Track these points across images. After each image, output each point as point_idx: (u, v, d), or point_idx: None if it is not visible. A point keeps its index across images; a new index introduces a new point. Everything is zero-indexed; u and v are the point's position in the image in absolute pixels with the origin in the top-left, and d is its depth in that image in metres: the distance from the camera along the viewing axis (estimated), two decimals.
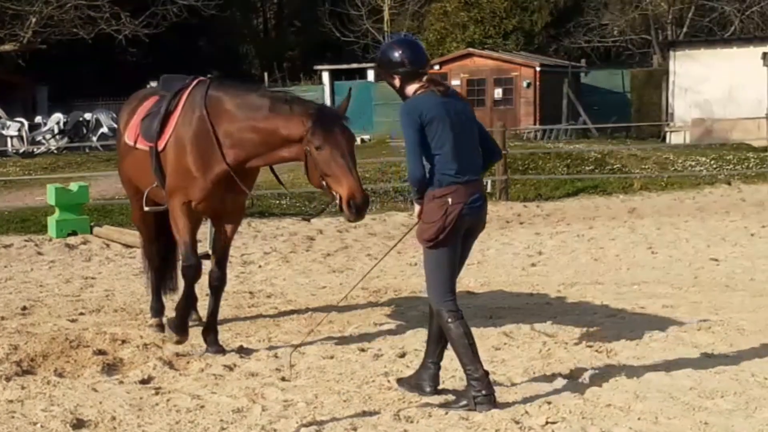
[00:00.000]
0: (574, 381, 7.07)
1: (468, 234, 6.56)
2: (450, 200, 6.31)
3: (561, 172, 23.26)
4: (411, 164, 6.32)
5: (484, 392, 6.37)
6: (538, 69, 35.71)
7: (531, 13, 42.52)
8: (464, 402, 6.44)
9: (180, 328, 8.17)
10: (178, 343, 8.20)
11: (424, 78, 6.51)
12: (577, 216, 18.41)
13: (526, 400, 6.58)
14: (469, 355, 6.40)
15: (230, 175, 7.81)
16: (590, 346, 8.14)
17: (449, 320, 6.41)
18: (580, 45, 44.16)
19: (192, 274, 8.14)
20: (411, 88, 6.50)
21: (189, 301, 8.34)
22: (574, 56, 43.33)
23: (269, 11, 60.48)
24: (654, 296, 10.48)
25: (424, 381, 6.77)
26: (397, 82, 6.56)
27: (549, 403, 6.51)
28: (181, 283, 9.52)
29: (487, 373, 6.46)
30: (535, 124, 35.13)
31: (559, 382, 7.02)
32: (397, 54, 6.52)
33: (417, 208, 6.54)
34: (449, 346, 6.59)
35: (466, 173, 6.38)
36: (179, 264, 9.37)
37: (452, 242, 6.40)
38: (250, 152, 7.77)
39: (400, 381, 6.94)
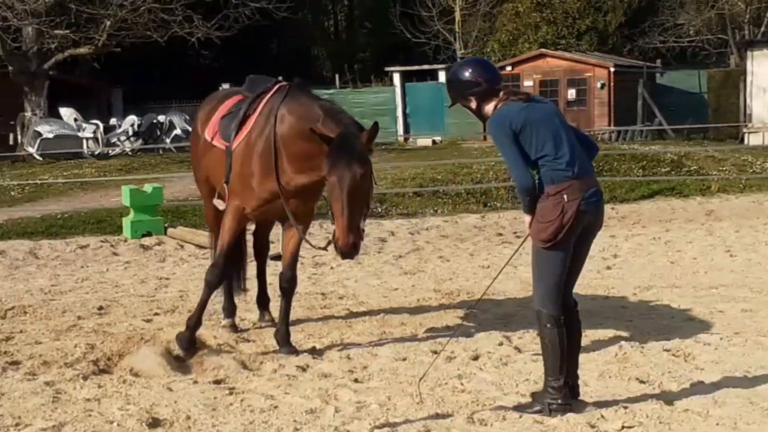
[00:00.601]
0: (650, 385, 7.00)
1: (586, 233, 6.32)
2: (566, 197, 6.12)
3: (636, 174, 22.97)
4: (517, 175, 6.16)
5: (560, 401, 6.31)
6: (612, 69, 35.33)
7: (605, 13, 42.09)
8: (538, 407, 6.37)
9: (186, 342, 8.04)
10: (185, 358, 7.97)
11: (501, 93, 6.39)
12: (653, 218, 18.15)
13: (601, 405, 6.50)
14: (557, 366, 6.29)
15: (293, 188, 7.79)
16: (667, 350, 8.04)
17: (548, 325, 6.26)
18: (655, 45, 43.58)
19: (215, 278, 8.15)
20: (489, 107, 6.40)
21: (201, 311, 8.20)
22: (649, 56, 42.76)
23: (340, 13, 60.68)
24: (732, 300, 10.28)
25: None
26: (473, 104, 6.45)
27: (625, 407, 6.44)
28: (252, 284, 9.61)
29: (566, 384, 6.36)
30: (609, 125, 34.76)
31: (636, 386, 6.95)
32: (469, 74, 6.42)
33: (527, 219, 6.33)
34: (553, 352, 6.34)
35: (576, 168, 6.21)
36: (250, 263, 9.47)
37: (569, 242, 6.20)
38: (303, 166, 7.69)
39: (533, 394, 6.62)
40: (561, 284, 6.27)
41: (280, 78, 8.61)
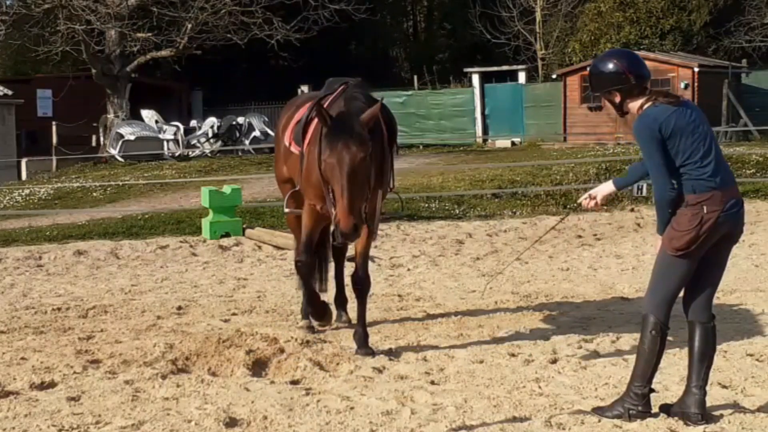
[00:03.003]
0: (733, 390, 6.89)
1: (725, 241, 6.16)
2: (705, 208, 5.97)
3: None
4: (659, 184, 5.99)
5: (641, 408, 6.21)
6: (696, 70, 34.74)
7: (689, 13, 41.43)
8: (618, 411, 6.26)
9: (317, 314, 8.70)
10: (322, 325, 8.75)
11: (648, 92, 6.17)
12: None
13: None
14: (646, 373, 6.21)
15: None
16: (750, 355, 7.90)
17: (652, 331, 6.17)
18: (741, 45, 42.78)
19: (304, 270, 8.50)
20: (635, 104, 6.16)
21: (310, 295, 8.71)
22: (735, 56, 41.97)
23: (419, 14, 60.67)
24: None
25: (689, 408, 6.22)
26: (617, 98, 6.20)
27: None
28: (331, 285, 9.63)
29: (651, 391, 6.27)
30: None
31: (718, 391, 6.85)
32: (616, 67, 6.16)
33: (658, 242, 6.20)
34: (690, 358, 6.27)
35: (721, 178, 6.04)
36: (331, 266, 9.52)
37: (700, 253, 6.07)
38: None
39: (663, 407, 6.41)
40: (677, 294, 6.20)
41: (359, 79, 8.60)
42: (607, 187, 6.40)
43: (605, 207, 19.49)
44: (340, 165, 7.12)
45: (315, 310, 8.68)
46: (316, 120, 8.03)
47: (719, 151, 6.15)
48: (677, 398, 6.60)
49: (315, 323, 8.86)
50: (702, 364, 6.21)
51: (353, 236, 7.17)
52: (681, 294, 6.27)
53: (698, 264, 6.13)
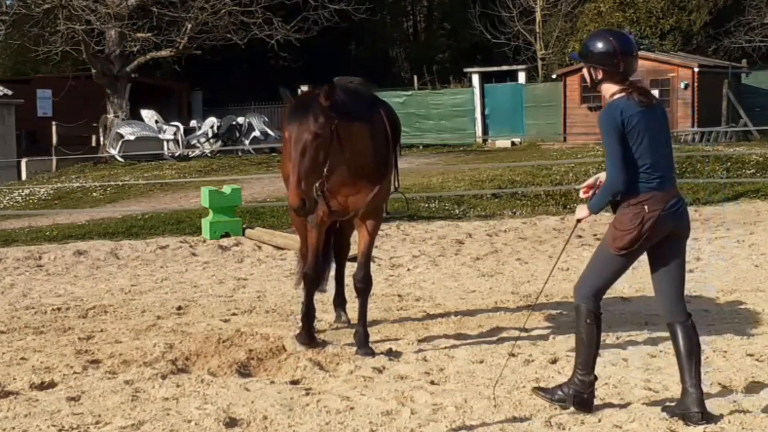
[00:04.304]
0: (733, 390, 6.85)
1: (674, 239, 6.23)
2: (647, 208, 6.07)
3: (720, 176, 22.57)
4: (613, 173, 6.06)
5: (585, 395, 6.37)
6: (696, 70, 34.73)
7: (689, 13, 41.43)
8: (561, 395, 6.41)
9: (301, 338, 8.44)
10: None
11: (627, 83, 6.21)
12: (737, 221, 17.80)
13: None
14: (589, 361, 6.38)
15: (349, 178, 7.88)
16: (750, 355, 7.90)
17: (588, 320, 6.33)
18: (741, 45, 42.77)
19: (310, 282, 8.55)
20: (611, 89, 6.21)
21: (308, 311, 8.59)
22: (735, 56, 41.96)
23: (419, 14, 60.68)
24: None
25: (689, 408, 6.20)
26: (600, 75, 6.23)
27: (707, 411, 6.28)
28: (330, 285, 9.62)
29: (595, 379, 6.44)
30: (692, 126, 34.19)
31: (718, 391, 6.82)
32: (614, 48, 6.16)
33: (583, 212, 6.36)
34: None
35: (663, 181, 6.14)
36: (332, 265, 9.53)
37: (641, 252, 6.19)
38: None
39: (665, 408, 6.42)
40: (609, 286, 6.39)
41: (361, 79, 8.60)
42: (584, 211, 6.42)
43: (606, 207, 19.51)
44: (292, 141, 7.19)
45: (305, 333, 8.47)
46: None
47: (671, 156, 6.29)
48: (677, 398, 6.61)
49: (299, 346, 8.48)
50: (691, 362, 6.21)
51: (300, 212, 7.20)
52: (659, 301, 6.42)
53: (658, 268, 6.27)
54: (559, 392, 6.43)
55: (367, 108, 8.02)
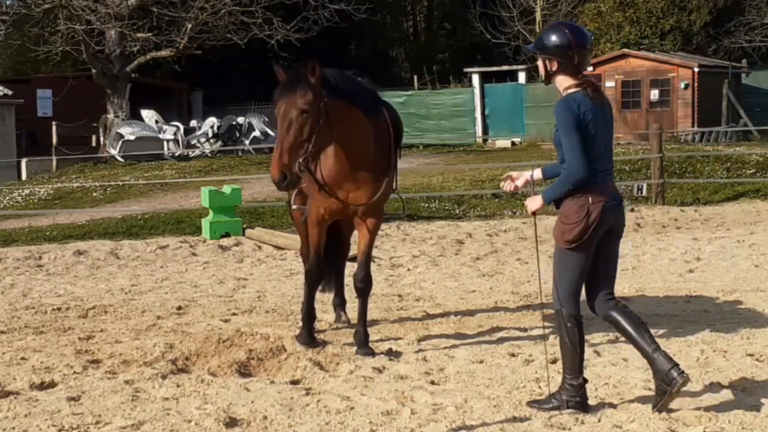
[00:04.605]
0: (733, 390, 6.86)
1: (610, 235, 6.38)
2: (590, 199, 6.19)
3: (720, 176, 22.57)
4: (575, 160, 6.13)
5: (578, 399, 6.41)
6: (696, 70, 34.72)
7: (689, 13, 41.41)
8: (555, 404, 6.44)
9: (301, 338, 8.47)
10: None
11: (581, 77, 6.32)
12: (737, 221, 17.79)
13: (682, 409, 6.38)
14: (575, 364, 6.40)
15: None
16: (750, 355, 7.89)
17: (568, 324, 6.35)
18: (741, 45, 42.76)
19: (311, 280, 8.56)
20: (565, 81, 6.32)
21: (309, 309, 8.62)
22: (735, 56, 41.96)
23: (419, 14, 60.68)
24: None
25: (663, 370, 6.27)
26: (554, 66, 6.34)
27: (707, 412, 6.33)
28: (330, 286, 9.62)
29: (585, 382, 6.46)
30: (693, 126, 34.19)
31: (718, 391, 6.82)
32: (569, 41, 6.27)
33: (536, 203, 6.43)
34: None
35: (606, 175, 6.31)
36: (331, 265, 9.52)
37: (592, 243, 6.27)
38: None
39: (532, 403, 6.66)
40: (582, 284, 6.37)
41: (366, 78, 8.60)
42: (539, 202, 6.46)
43: None
44: (279, 117, 7.26)
45: (305, 333, 8.50)
46: None
47: (611, 153, 6.44)
48: (679, 399, 6.61)
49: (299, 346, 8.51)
50: (641, 333, 6.31)
51: (281, 186, 7.22)
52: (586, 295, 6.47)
53: (593, 264, 6.34)
54: (553, 401, 6.47)
55: (369, 99, 8.03)
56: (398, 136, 8.34)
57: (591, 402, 6.61)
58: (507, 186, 6.79)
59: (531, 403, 6.56)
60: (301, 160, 7.24)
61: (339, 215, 8.37)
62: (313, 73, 7.33)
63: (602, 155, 6.27)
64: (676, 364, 6.22)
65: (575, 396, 6.40)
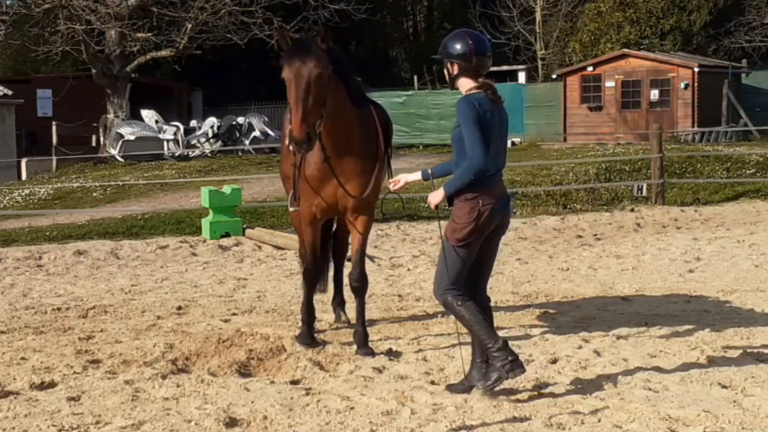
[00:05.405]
0: (733, 390, 6.86)
1: (494, 233, 6.81)
2: (481, 201, 6.58)
3: (720, 176, 22.58)
4: (477, 153, 6.48)
5: (510, 358, 6.57)
6: (696, 70, 34.72)
7: (689, 13, 41.40)
8: (495, 376, 6.59)
9: (302, 338, 8.51)
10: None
11: (481, 80, 6.78)
12: (737, 221, 17.80)
13: (682, 409, 6.38)
14: (486, 330, 6.68)
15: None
16: (750, 355, 7.88)
17: (458, 303, 6.66)
18: (741, 45, 42.77)
19: (309, 277, 8.66)
20: (467, 84, 6.79)
21: (308, 308, 8.68)
22: (735, 56, 41.96)
23: (419, 14, 60.68)
24: None
25: (474, 380, 6.83)
26: (455, 70, 6.80)
27: (707, 412, 6.31)
28: (330, 286, 9.63)
29: (506, 342, 6.67)
30: (693, 126, 34.18)
31: (718, 391, 6.82)
32: (468, 48, 6.76)
33: (438, 196, 6.68)
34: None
35: (497, 176, 6.73)
36: (331, 265, 9.54)
37: (479, 242, 6.69)
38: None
39: (450, 387, 7.00)
40: (463, 278, 6.74)
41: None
42: (441, 194, 6.74)
43: (605, 207, 19.48)
44: (295, 79, 7.27)
45: (305, 333, 8.54)
46: None
47: (505, 154, 6.84)
48: (677, 398, 6.62)
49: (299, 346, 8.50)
50: (479, 339, 6.72)
51: (305, 145, 7.24)
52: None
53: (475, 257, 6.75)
54: (492, 375, 6.62)
55: (358, 88, 8.11)
56: (387, 134, 8.35)
57: (592, 402, 6.61)
58: (392, 186, 7.19)
59: (484, 390, 6.70)
60: (318, 122, 7.35)
61: (330, 213, 8.39)
62: (324, 39, 7.43)
63: (497, 157, 6.67)
64: (504, 365, 6.52)
65: (506, 358, 6.55)
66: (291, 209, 8.81)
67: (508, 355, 6.56)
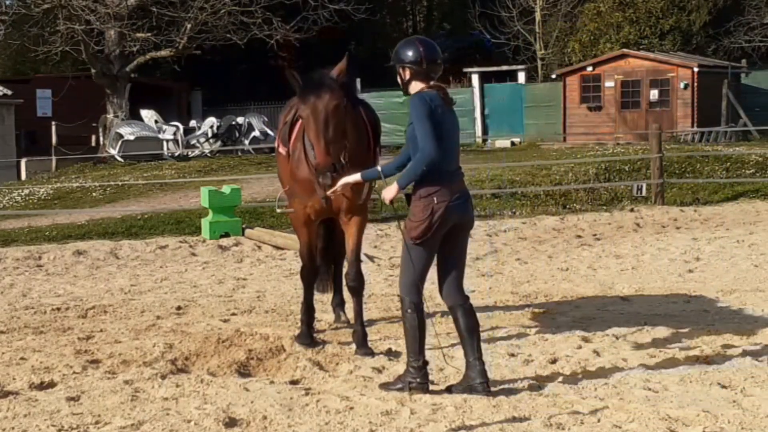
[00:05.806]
0: (732, 390, 6.86)
1: (457, 231, 6.91)
2: (435, 199, 6.72)
3: (720, 176, 22.57)
4: (429, 146, 6.60)
5: (419, 380, 6.87)
6: (696, 69, 34.70)
7: (689, 13, 41.38)
8: (401, 385, 6.90)
9: (301, 338, 8.55)
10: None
11: (432, 82, 6.92)
12: (736, 221, 17.79)
13: (682, 409, 6.38)
14: (416, 347, 6.88)
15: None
16: (750, 355, 7.86)
17: (409, 310, 6.87)
18: (741, 45, 42.74)
19: (306, 277, 8.75)
20: (418, 86, 6.90)
21: (308, 308, 8.73)
22: (734, 56, 41.94)
23: (419, 14, 60.66)
24: None
25: (474, 380, 6.89)
26: (407, 74, 6.94)
27: (706, 412, 6.31)
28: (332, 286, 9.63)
29: (426, 364, 6.92)
30: (692, 126, 34.18)
31: (717, 391, 6.81)
32: (419, 54, 6.90)
33: (391, 191, 6.79)
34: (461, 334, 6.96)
35: (451, 174, 6.84)
36: (331, 266, 9.54)
37: (436, 239, 6.81)
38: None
39: (450, 387, 7.05)
40: (425, 275, 6.92)
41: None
42: (394, 188, 6.83)
43: (605, 207, 19.48)
44: (314, 114, 7.31)
45: (304, 333, 8.57)
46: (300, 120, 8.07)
47: (458, 153, 7.01)
48: (676, 398, 6.62)
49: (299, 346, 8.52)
50: (472, 338, 6.93)
51: (328, 177, 7.24)
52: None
53: (442, 255, 6.94)
54: (398, 384, 6.93)
55: (353, 88, 8.18)
56: (376, 133, 8.38)
57: (592, 402, 6.61)
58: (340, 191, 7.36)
59: (381, 386, 7.02)
60: (342, 154, 7.41)
61: (325, 214, 8.39)
62: (339, 75, 7.51)
63: (449, 156, 6.80)
64: (486, 380, 6.84)
65: (416, 377, 6.85)
66: (278, 210, 8.96)
67: (420, 377, 6.86)
